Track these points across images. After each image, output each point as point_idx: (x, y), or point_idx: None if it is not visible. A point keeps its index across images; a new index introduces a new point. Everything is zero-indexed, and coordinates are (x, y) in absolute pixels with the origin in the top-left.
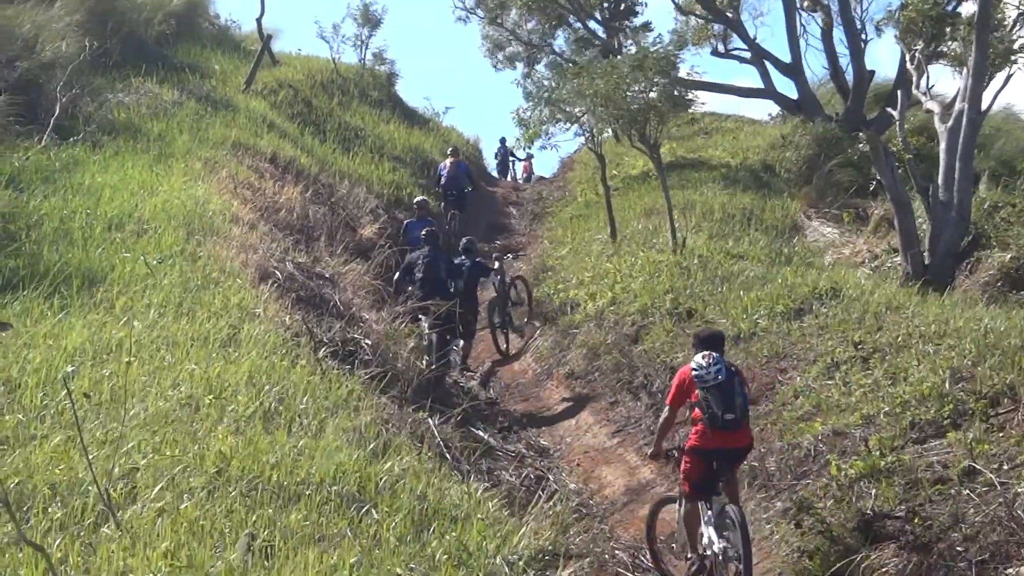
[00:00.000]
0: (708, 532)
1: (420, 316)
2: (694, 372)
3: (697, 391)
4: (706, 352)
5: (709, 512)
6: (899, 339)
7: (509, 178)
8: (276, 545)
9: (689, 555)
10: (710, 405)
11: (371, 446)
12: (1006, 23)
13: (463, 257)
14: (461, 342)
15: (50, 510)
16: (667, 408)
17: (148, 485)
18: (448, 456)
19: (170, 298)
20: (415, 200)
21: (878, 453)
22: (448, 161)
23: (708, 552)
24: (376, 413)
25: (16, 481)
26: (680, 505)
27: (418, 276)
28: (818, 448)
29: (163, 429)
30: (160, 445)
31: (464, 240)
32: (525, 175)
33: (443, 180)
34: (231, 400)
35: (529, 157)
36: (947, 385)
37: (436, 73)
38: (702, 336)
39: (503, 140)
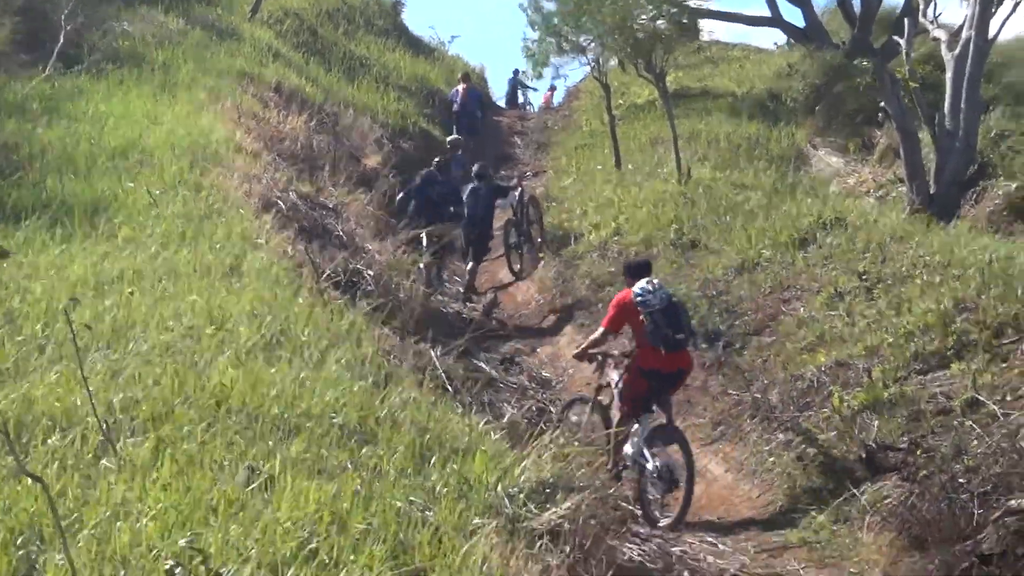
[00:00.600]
0: (639, 449)
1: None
2: (639, 298)
3: (642, 316)
4: (648, 279)
5: (640, 429)
6: (903, 269)
7: (523, 107)
8: (276, 477)
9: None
10: (659, 327)
11: (372, 378)
12: None
13: (477, 182)
14: (470, 264)
15: (49, 442)
16: (601, 330)
17: (148, 417)
18: (450, 388)
19: (173, 228)
20: (449, 139)
21: (881, 384)
22: (460, 87)
23: (628, 464)
24: (378, 345)
25: (15, 413)
26: (612, 420)
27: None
28: (821, 380)
29: (164, 360)
30: (161, 377)
31: (476, 166)
32: (544, 104)
33: (455, 106)
34: (232, 331)
35: (552, 88)
36: (951, 316)
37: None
38: (634, 264)
39: (516, 71)
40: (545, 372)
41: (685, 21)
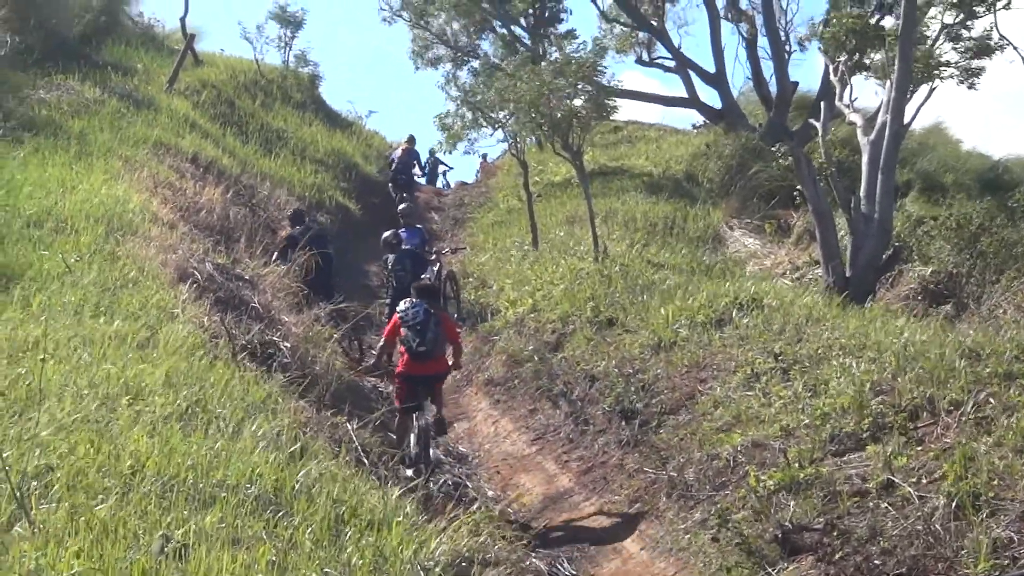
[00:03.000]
0: (411, 439)
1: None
2: (399, 314)
3: (403, 329)
4: (409, 299)
5: (415, 425)
6: (819, 351)
7: (439, 185)
8: (191, 546)
9: (401, 451)
10: (409, 339)
11: (289, 449)
12: (929, 36)
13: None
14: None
15: None
16: (383, 340)
17: (62, 485)
18: (366, 461)
19: (88, 297)
20: (400, 208)
21: (797, 465)
22: (401, 148)
23: (412, 452)
24: (294, 416)
25: None
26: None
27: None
28: (737, 459)
29: (79, 429)
30: (75, 445)
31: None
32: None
33: (395, 164)
34: (148, 401)
35: (483, 157)
36: (867, 398)
37: (360, 76)
38: (416, 287)
39: (432, 151)
40: (461, 447)
41: (600, 101)
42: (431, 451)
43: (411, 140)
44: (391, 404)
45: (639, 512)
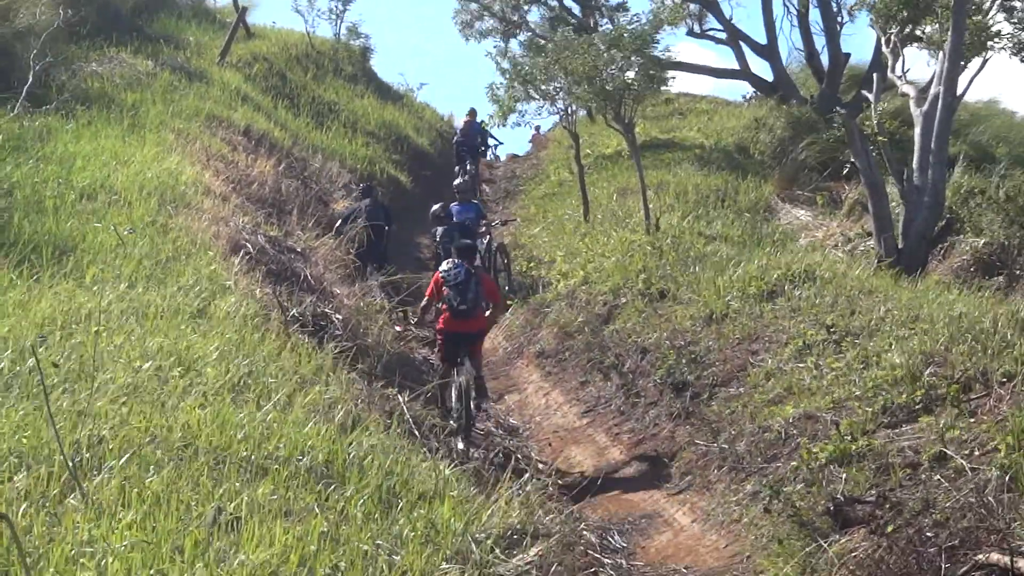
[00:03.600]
0: (452, 394)
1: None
2: (441, 274)
3: (445, 288)
4: (452, 260)
5: (455, 380)
6: (871, 323)
7: (488, 157)
8: (243, 518)
9: (441, 407)
10: (451, 298)
11: (339, 421)
12: (983, 7)
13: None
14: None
15: (15, 479)
16: (426, 299)
17: (115, 456)
18: (417, 433)
19: (140, 269)
20: (456, 183)
21: (849, 437)
22: (464, 120)
23: (453, 407)
24: (345, 388)
25: None
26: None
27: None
28: (789, 431)
29: (131, 400)
30: (128, 416)
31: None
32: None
33: (458, 136)
34: (200, 373)
35: (536, 128)
36: (919, 369)
37: (410, 47)
38: (456, 247)
39: (481, 123)
40: (512, 419)
41: (653, 72)
42: (471, 409)
43: (472, 113)
44: (442, 375)
45: (690, 484)
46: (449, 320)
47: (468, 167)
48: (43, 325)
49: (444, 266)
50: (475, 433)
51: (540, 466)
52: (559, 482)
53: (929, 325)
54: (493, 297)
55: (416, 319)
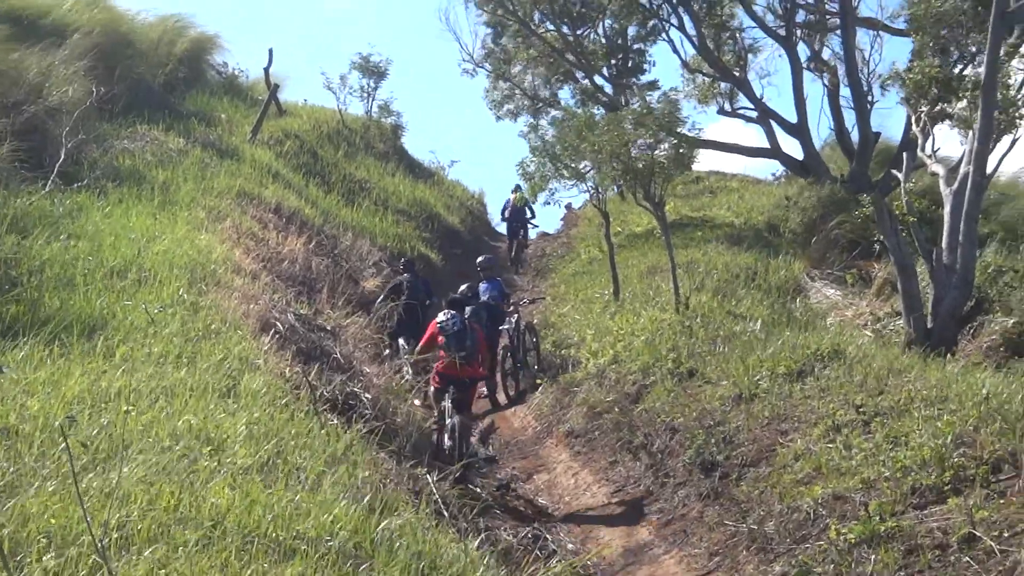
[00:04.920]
0: (448, 406)
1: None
2: (439, 324)
3: (441, 337)
4: (447, 311)
5: (448, 422)
6: (901, 403)
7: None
8: None
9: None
10: (449, 346)
11: (368, 502)
12: (1012, 86)
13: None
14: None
15: (44, 559)
16: (420, 344)
17: (143, 537)
18: (446, 513)
19: (170, 348)
20: (479, 260)
21: (878, 518)
22: (513, 196)
23: (444, 414)
24: (374, 468)
25: (11, 530)
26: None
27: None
28: (818, 512)
29: (159, 480)
30: (156, 497)
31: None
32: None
33: (507, 211)
34: (229, 452)
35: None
36: (948, 450)
37: (441, 125)
38: (448, 301)
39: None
40: (541, 499)
41: (683, 151)
42: (470, 446)
43: (517, 188)
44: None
45: (718, 565)
46: (448, 364)
47: (522, 237)
48: (72, 404)
49: (440, 317)
50: (505, 511)
51: (569, 547)
52: (587, 563)
53: (958, 405)
54: (482, 348)
55: (410, 366)
